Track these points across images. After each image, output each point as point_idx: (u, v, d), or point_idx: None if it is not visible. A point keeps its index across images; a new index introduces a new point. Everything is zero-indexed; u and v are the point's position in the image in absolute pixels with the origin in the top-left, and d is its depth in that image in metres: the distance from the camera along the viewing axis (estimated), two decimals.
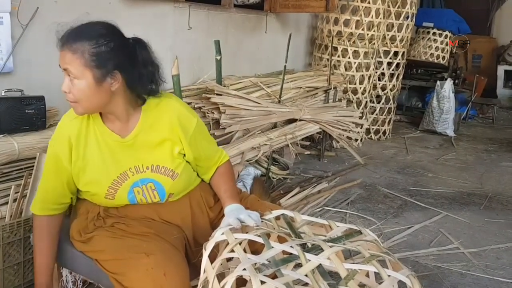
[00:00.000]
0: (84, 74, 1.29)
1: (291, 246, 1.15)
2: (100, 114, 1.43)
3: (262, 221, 1.37)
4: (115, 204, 1.48)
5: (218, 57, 3.16)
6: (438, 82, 5.65)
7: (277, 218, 1.43)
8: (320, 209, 3.08)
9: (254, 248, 1.27)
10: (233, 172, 1.68)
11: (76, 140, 1.41)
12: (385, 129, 5.28)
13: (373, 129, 5.22)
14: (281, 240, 1.25)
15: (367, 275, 1.24)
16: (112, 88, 1.33)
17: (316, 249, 1.17)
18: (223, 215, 1.46)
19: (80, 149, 1.42)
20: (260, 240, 1.19)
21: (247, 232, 1.25)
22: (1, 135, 1.96)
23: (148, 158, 1.45)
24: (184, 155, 1.51)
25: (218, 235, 1.21)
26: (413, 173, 4.09)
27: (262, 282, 1.01)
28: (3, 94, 2.04)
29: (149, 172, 1.45)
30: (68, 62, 1.29)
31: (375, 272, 1.16)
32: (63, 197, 1.50)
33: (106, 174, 1.42)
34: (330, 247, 1.16)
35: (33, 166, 1.90)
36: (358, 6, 4.51)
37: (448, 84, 5.55)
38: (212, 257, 1.17)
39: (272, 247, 1.16)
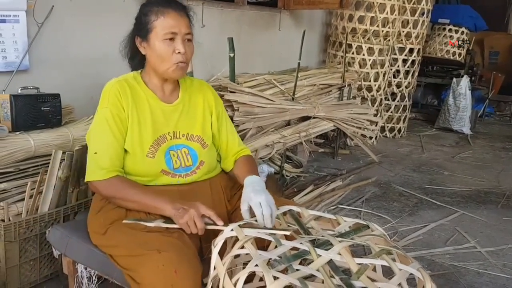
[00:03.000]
0: (192, 38, 1.52)
1: (301, 243, 1.15)
2: (144, 81, 1.57)
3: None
4: (154, 164, 1.50)
5: (232, 55, 3.16)
6: (454, 79, 5.58)
7: (284, 213, 1.42)
8: (334, 207, 3.06)
9: (261, 244, 1.26)
10: (256, 164, 1.72)
11: (124, 97, 1.51)
12: (400, 127, 5.23)
13: (388, 126, 5.17)
14: (289, 239, 1.25)
15: (374, 269, 1.24)
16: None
17: (325, 245, 1.17)
18: (239, 206, 1.46)
19: (127, 107, 1.51)
20: (270, 238, 1.19)
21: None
22: (18, 132, 1.99)
23: (184, 127, 1.59)
24: (211, 128, 1.66)
25: (227, 231, 1.21)
26: (429, 171, 4.05)
27: (275, 278, 1.00)
28: (19, 91, 2.07)
29: (184, 139, 1.58)
30: (189, 26, 1.50)
31: (382, 266, 1.16)
32: (122, 159, 1.51)
33: (148, 133, 1.52)
34: (340, 242, 1.16)
35: (48, 163, 1.92)
36: (373, 3, 4.47)
37: (465, 81, 5.47)
38: (220, 253, 1.16)
39: (282, 244, 1.15)
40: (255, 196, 1.37)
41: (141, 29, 1.51)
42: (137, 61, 1.60)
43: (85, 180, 1.51)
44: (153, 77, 1.56)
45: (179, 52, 1.46)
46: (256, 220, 1.34)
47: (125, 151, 1.51)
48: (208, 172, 1.62)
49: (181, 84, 1.63)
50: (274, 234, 1.21)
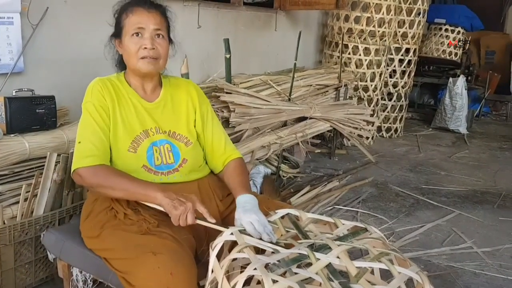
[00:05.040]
0: (166, 35, 1.55)
1: (299, 249, 1.14)
2: (126, 80, 1.59)
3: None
4: (135, 159, 1.50)
5: (228, 56, 3.15)
6: (451, 79, 5.59)
7: (282, 217, 1.42)
8: (331, 207, 3.05)
9: (258, 248, 1.25)
10: (247, 169, 1.71)
11: (106, 92, 1.53)
12: (396, 127, 5.23)
13: (384, 126, 5.18)
14: (288, 246, 1.24)
15: (372, 272, 1.23)
16: (171, 54, 1.60)
17: (324, 248, 1.16)
18: (234, 208, 1.45)
19: (110, 100, 1.53)
20: (269, 248, 1.19)
21: None
22: (12, 135, 1.97)
23: (167, 124, 1.59)
24: (195, 126, 1.66)
25: (227, 234, 1.20)
26: (425, 171, 4.05)
27: (274, 281, 1.00)
28: (14, 94, 2.05)
29: (166, 135, 1.58)
30: (159, 23, 1.52)
31: (380, 269, 1.16)
32: (107, 149, 1.51)
33: (131, 129, 1.53)
34: (338, 245, 1.15)
35: (43, 165, 1.90)
36: (369, 3, 4.48)
37: (461, 81, 5.48)
38: (217, 256, 1.16)
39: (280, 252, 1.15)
40: (245, 215, 1.35)
41: (115, 29, 1.57)
42: (122, 64, 1.62)
43: (71, 171, 1.47)
44: (132, 76, 1.59)
45: (145, 48, 1.48)
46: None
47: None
48: (192, 171, 1.60)
49: (164, 84, 1.65)
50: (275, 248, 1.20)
